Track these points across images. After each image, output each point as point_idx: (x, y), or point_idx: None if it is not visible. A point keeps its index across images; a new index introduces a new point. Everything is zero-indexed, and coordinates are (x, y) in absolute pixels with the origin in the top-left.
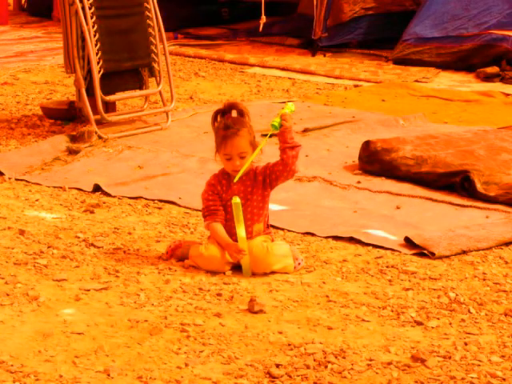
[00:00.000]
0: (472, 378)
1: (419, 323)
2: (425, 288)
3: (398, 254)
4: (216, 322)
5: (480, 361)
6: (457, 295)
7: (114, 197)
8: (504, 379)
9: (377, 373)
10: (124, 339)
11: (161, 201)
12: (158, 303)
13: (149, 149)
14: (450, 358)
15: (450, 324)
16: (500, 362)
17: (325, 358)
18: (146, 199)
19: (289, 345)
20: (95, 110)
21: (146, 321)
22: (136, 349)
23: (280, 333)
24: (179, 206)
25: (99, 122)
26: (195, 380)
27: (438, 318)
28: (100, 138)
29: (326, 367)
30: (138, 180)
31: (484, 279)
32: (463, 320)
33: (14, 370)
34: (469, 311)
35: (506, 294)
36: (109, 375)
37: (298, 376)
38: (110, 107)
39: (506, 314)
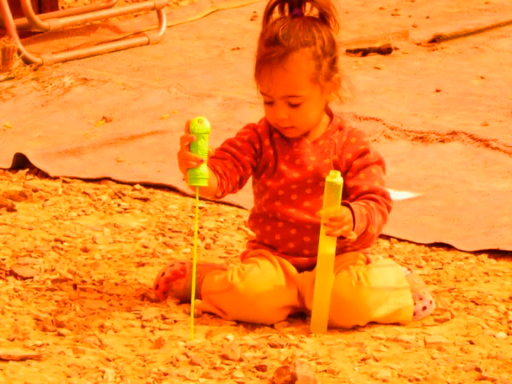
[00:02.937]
0: None
1: None
2: None
3: None
4: None
5: None
6: None
7: (55, 179)
8: None
9: None
10: None
11: (147, 185)
12: None
13: (123, 83)
14: None
15: None
16: None
17: None
18: (117, 182)
19: None
20: (19, 10)
21: None
22: None
23: None
24: (182, 194)
25: (26, 31)
26: None
27: None
28: (27, 62)
29: None
30: (102, 145)
31: None
32: None
33: None
34: None
35: None
36: None
37: None
38: (46, 2)
39: None
